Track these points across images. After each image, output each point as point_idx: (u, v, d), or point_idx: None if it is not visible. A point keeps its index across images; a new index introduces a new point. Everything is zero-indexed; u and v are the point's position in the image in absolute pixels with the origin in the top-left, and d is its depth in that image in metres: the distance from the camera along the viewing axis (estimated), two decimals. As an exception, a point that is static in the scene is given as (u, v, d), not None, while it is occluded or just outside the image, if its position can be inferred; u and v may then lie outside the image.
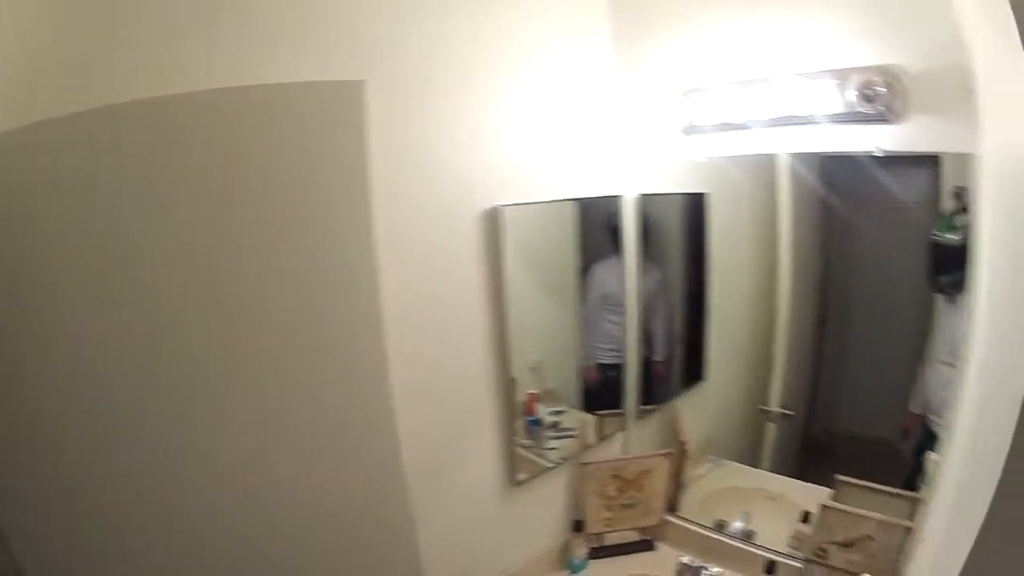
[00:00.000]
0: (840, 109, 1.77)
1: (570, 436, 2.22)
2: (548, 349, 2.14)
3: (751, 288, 2.41)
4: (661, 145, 2.25)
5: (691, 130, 2.15)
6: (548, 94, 2.05)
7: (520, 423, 2.04)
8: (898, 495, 1.91)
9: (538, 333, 2.07)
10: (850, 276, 2.31)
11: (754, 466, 2.35)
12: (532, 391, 2.05)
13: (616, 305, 2.38)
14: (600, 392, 2.39)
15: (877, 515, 1.85)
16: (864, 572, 1.84)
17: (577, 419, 2.25)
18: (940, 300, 1.97)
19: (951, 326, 1.95)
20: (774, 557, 2.04)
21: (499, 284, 1.88)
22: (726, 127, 2.03)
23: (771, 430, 2.31)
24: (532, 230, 1.96)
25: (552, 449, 2.16)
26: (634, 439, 2.45)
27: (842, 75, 1.75)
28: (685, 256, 2.44)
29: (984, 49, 1.48)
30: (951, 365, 1.89)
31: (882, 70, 1.69)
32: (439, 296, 1.79)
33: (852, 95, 1.73)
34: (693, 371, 2.45)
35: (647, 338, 2.49)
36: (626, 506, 2.30)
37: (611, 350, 2.41)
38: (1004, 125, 1.45)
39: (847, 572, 1.88)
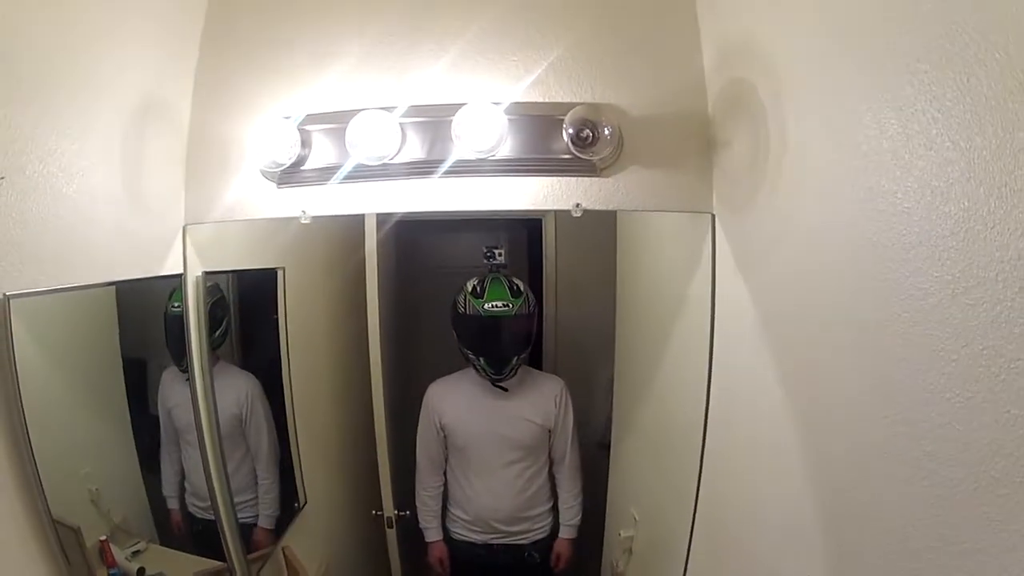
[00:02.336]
0: (540, 153, 1.42)
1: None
2: (105, 472, 1.46)
3: (338, 380, 2.10)
4: (241, 199, 1.54)
5: (289, 178, 1.48)
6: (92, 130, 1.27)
7: (103, 583, 1.35)
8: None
9: (89, 456, 1.41)
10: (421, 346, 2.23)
11: (389, 585, 2.04)
12: (102, 537, 1.37)
13: (189, 433, 1.61)
14: (193, 539, 1.69)
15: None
16: None
17: (162, 558, 1.56)
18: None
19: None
20: None
21: (13, 403, 1.13)
22: (356, 173, 1.46)
23: (391, 537, 2.02)
24: (62, 328, 1.30)
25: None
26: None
27: (548, 110, 1.42)
28: (259, 354, 1.88)
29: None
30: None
31: (597, 109, 1.39)
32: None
33: (565, 136, 1.36)
34: (288, 497, 1.91)
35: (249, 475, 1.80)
36: None
37: (196, 498, 1.63)
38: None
39: None
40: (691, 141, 1.46)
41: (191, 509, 1.66)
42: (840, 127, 0.92)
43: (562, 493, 2.03)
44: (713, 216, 1.44)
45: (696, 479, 1.51)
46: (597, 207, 1.45)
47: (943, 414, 0.71)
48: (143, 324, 1.56)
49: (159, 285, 1.54)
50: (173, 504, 1.63)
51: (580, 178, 1.44)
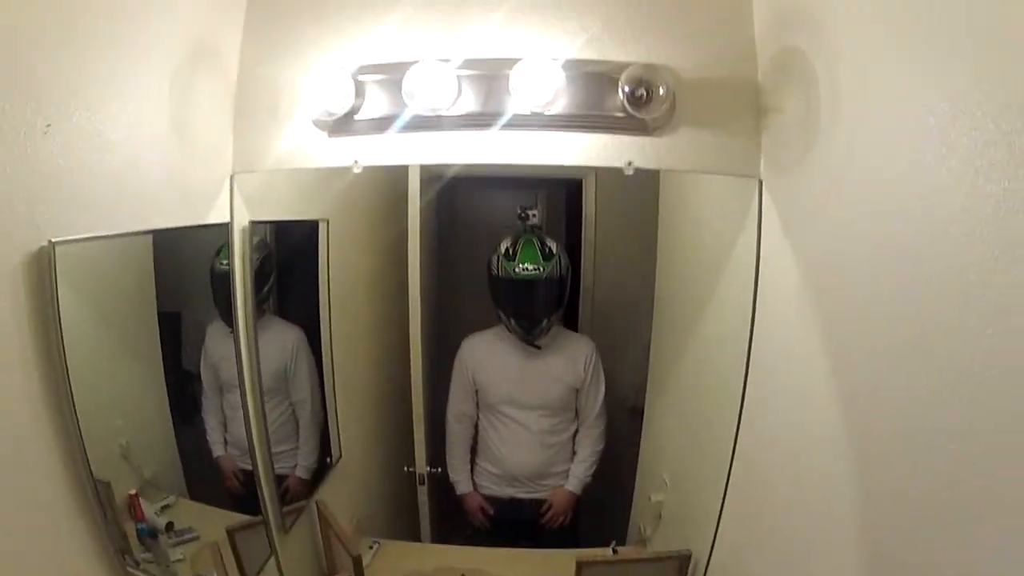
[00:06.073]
0: (594, 111, 1.49)
1: (192, 538, 1.62)
2: (136, 426, 1.51)
3: (377, 336, 2.20)
4: (292, 148, 1.60)
5: (341, 127, 1.55)
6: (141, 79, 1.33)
7: (131, 536, 1.40)
8: (657, 559, 1.79)
9: (119, 409, 1.45)
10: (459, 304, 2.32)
11: (416, 540, 2.15)
12: (132, 491, 1.41)
13: (232, 385, 1.71)
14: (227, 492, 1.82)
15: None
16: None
17: (192, 512, 1.64)
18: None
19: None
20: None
21: (56, 354, 1.16)
22: (409, 124, 1.52)
23: (422, 493, 2.14)
24: (100, 276, 1.34)
25: (179, 561, 1.56)
26: (291, 562, 1.86)
27: (604, 68, 1.48)
28: (301, 307, 1.97)
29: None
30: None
31: (653, 69, 1.44)
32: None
33: (621, 95, 1.42)
34: (323, 451, 2.03)
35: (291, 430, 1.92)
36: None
37: (235, 448, 1.75)
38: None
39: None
40: (741, 105, 1.51)
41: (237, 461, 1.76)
42: (888, 101, 0.96)
43: (581, 450, 2.10)
44: (760, 181, 1.49)
45: (732, 446, 1.57)
46: (648, 166, 1.52)
47: (980, 387, 0.75)
48: (184, 276, 1.63)
49: (203, 235, 1.60)
50: (218, 451, 1.74)
51: (632, 137, 1.51)
